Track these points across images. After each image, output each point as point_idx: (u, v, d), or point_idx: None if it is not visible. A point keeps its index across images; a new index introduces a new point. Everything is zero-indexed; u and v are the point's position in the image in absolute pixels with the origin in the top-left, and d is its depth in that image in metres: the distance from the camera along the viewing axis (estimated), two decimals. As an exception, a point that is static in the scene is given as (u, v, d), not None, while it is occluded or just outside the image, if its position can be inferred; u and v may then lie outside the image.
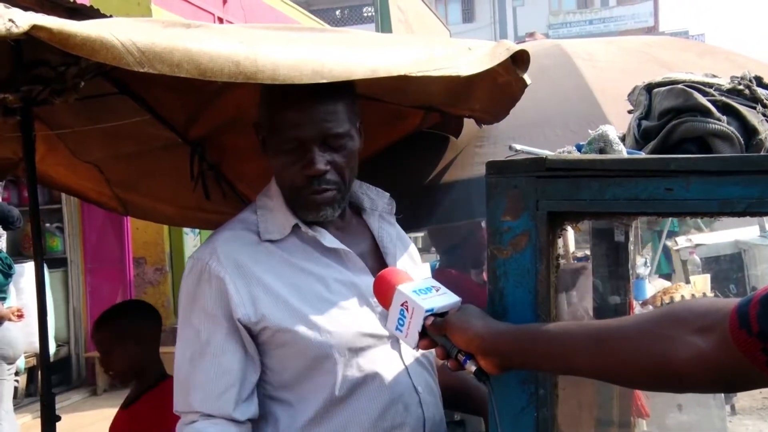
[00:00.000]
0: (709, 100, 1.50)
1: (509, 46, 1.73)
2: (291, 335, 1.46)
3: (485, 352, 1.16)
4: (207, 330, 1.47)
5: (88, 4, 1.79)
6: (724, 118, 1.49)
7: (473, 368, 1.17)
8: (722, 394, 3.93)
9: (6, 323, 5.02)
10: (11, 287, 5.55)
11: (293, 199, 1.55)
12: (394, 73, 1.45)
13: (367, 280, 1.52)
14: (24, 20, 1.18)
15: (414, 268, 1.70)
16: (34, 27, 1.18)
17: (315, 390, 1.47)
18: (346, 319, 1.49)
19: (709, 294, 5.18)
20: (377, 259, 1.62)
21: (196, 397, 1.46)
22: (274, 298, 1.47)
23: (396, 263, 1.62)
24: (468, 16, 33.82)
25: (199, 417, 1.45)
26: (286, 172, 1.53)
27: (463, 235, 3.50)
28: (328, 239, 1.55)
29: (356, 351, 1.48)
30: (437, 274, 3.48)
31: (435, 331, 1.21)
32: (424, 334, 1.23)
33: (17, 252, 7.10)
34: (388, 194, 1.72)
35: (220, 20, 7.85)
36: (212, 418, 1.44)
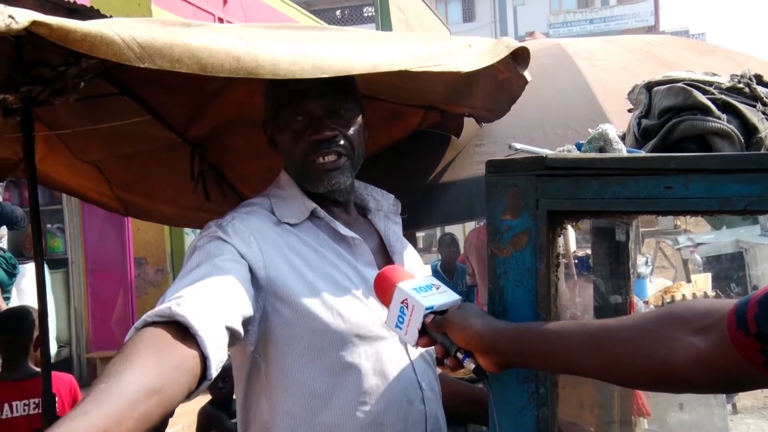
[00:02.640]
0: (709, 99, 1.50)
1: (509, 43, 1.74)
2: (303, 308, 1.44)
3: (484, 350, 1.16)
4: (217, 256, 1.37)
5: (88, 5, 1.79)
6: (724, 116, 1.49)
7: (472, 366, 1.17)
8: (723, 393, 3.93)
9: None
10: (12, 288, 5.55)
11: (303, 172, 1.56)
12: (395, 68, 1.45)
13: (373, 274, 1.52)
14: (24, 16, 1.18)
15: (418, 267, 1.72)
16: (34, 23, 1.18)
17: (318, 373, 1.45)
18: (357, 306, 1.49)
19: (711, 293, 5.17)
20: (384, 257, 1.63)
21: (188, 288, 1.26)
22: (291, 267, 1.46)
23: (403, 261, 1.64)
24: (468, 15, 33.82)
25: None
26: (296, 144, 1.55)
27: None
28: (343, 228, 1.56)
29: (365, 340, 1.48)
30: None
31: (434, 328, 1.21)
32: (423, 331, 1.23)
33: (18, 252, 7.09)
34: (392, 195, 1.73)
35: (221, 20, 7.85)
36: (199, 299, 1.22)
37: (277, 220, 1.54)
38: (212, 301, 1.25)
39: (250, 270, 1.42)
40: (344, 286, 1.50)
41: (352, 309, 1.48)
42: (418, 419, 1.52)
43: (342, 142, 1.55)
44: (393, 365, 1.51)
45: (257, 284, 1.43)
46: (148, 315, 1.16)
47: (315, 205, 1.56)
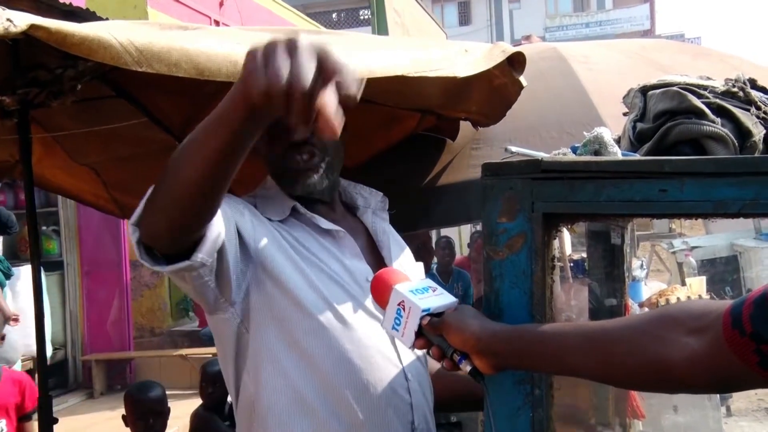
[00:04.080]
0: (703, 103, 1.51)
1: (505, 48, 1.74)
2: (290, 286, 1.47)
3: (480, 352, 1.16)
4: None
5: (83, 7, 1.80)
6: (719, 120, 1.50)
7: (468, 368, 1.18)
8: (717, 396, 3.94)
9: (5, 327, 5.02)
10: (8, 291, 5.54)
11: (280, 174, 1.59)
12: (391, 73, 1.46)
13: (360, 266, 1.56)
14: (22, 20, 1.19)
15: (410, 265, 1.71)
16: (33, 26, 1.19)
17: (300, 354, 1.47)
18: (341, 294, 1.51)
19: (705, 296, 5.19)
20: (373, 252, 1.64)
21: None
22: (280, 248, 1.49)
23: (391, 256, 1.64)
24: (464, 18, 33.86)
25: None
26: (272, 147, 1.58)
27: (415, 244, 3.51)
28: (324, 222, 1.58)
29: (348, 326, 1.49)
30: None
31: (431, 330, 1.22)
32: (420, 333, 1.23)
33: (14, 255, 7.06)
34: (381, 193, 1.74)
35: (217, 23, 7.85)
36: None
37: (262, 216, 1.56)
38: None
39: (240, 236, 1.45)
40: (329, 276, 1.52)
41: (336, 295, 1.50)
42: (404, 408, 1.52)
43: (317, 144, 1.57)
44: (378, 353, 1.52)
45: (246, 252, 1.46)
46: None
47: (295, 202, 1.58)
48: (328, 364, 1.47)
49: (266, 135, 1.56)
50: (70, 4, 2.13)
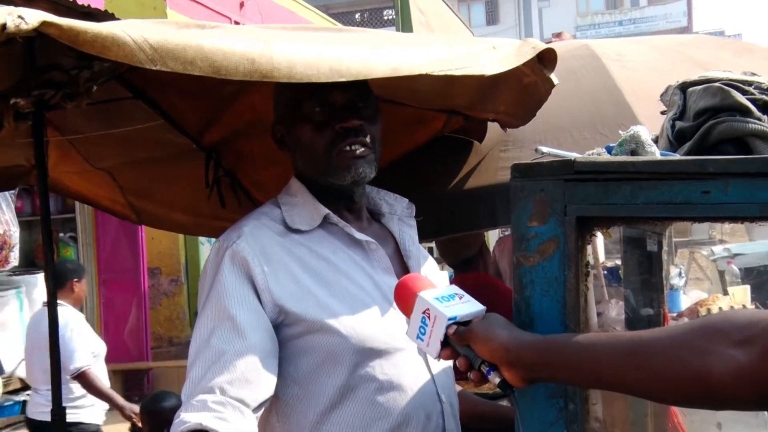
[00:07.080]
0: (748, 99, 1.45)
1: (535, 45, 1.69)
2: (317, 328, 1.42)
3: (510, 363, 1.12)
4: (232, 306, 1.39)
5: (102, 9, 1.78)
6: (765, 117, 1.44)
7: (497, 380, 1.14)
8: (765, 412, 3.84)
9: None
10: (24, 298, 5.57)
11: (327, 163, 1.52)
12: (416, 71, 1.42)
13: (389, 281, 1.49)
14: (34, 17, 1.17)
15: (434, 273, 1.67)
16: (44, 23, 1.17)
17: (331, 387, 1.43)
18: (373, 319, 1.46)
19: (750, 306, 5.06)
20: (400, 262, 1.60)
21: (217, 375, 1.33)
22: (301, 289, 1.44)
23: (419, 266, 1.60)
24: (492, 17, 33.79)
25: (215, 395, 1.31)
26: (319, 135, 1.51)
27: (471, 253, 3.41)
28: (357, 232, 1.53)
29: (380, 353, 1.45)
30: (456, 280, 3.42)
31: (458, 340, 1.17)
32: (446, 343, 1.19)
33: (30, 262, 7.11)
34: (406, 199, 1.70)
35: (237, 24, 7.88)
36: (229, 404, 1.31)
37: (284, 229, 1.51)
38: (242, 393, 1.33)
39: (258, 296, 1.42)
40: (359, 299, 1.47)
41: (367, 323, 1.45)
42: None
43: (367, 134, 1.52)
44: (411, 378, 1.47)
45: (264, 309, 1.42)
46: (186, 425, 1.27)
47: (327, 211, 1.53)
48: (359, 397, 1.43)
49: (312, 123, 1.52)
50: (89, 5, 2.12)
